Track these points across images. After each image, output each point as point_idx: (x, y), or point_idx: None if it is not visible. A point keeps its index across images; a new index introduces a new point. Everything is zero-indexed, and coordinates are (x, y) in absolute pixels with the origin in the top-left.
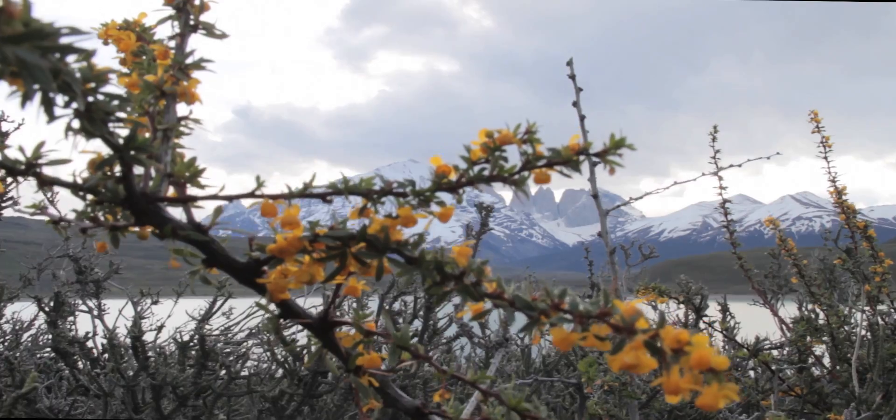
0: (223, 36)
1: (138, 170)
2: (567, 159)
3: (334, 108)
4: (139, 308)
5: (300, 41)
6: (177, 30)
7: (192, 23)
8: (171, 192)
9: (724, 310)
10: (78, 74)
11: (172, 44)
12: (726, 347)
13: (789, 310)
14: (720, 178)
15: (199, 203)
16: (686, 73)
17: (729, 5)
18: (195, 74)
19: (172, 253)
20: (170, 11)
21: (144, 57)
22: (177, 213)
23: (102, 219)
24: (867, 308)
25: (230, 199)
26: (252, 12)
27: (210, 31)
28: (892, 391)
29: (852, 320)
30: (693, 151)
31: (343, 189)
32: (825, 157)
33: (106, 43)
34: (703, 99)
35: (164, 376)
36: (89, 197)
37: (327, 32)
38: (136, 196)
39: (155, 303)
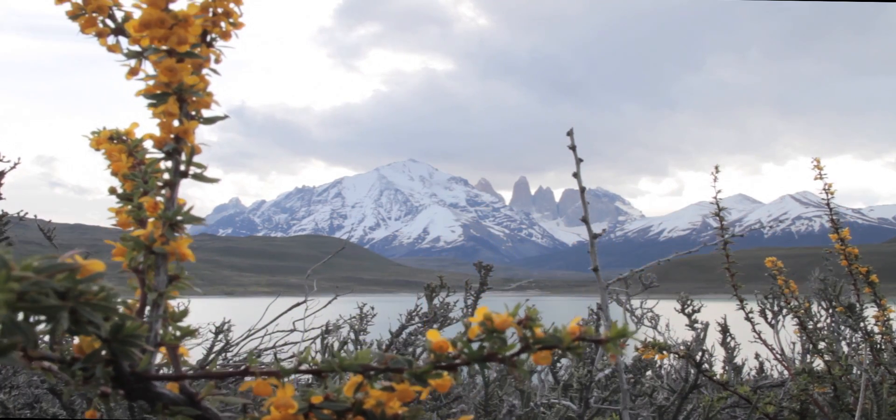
0: (214, 181)
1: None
2: (568, 346)
3: (329, 107)
4: None
5: (293, 41)
6: (167, 177)
7: (182, 169)
8: (162, 357)
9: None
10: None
11: (163, 194)
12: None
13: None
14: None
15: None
16: (682, 71)
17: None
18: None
19: None
20: (160, 154)
21: (137, 177)
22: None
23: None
24: (870, 357)
25: (221, 376)
26: (244, 11)
27: (201, 177)
28: None
29: (855, 369)
30: (691, 150)
31: (338, 366)
32: (828, 204)
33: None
34: (700, 97)
35: None
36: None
37: (320, 32)
38: (125, 377)
39: None
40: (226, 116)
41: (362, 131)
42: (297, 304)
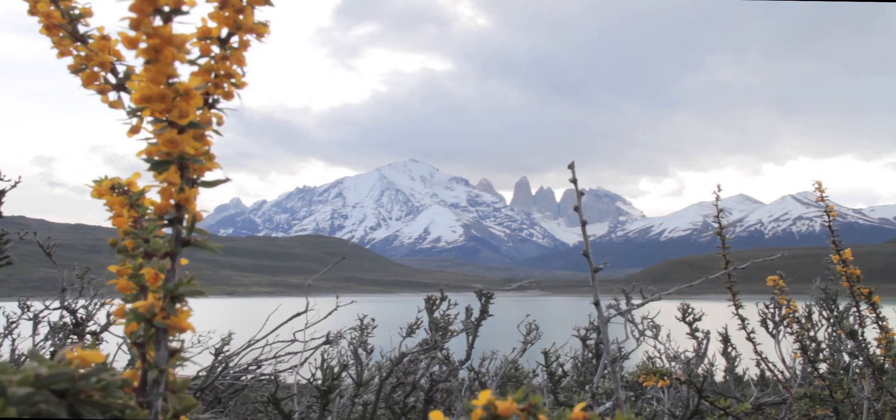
0: (218, 249)
1: None
2: None
3: (328, 107)
4: None
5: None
6: (167, 245)
7: (183, 237)
8: None
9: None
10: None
11: (164, 262)
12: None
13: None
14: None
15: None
16: (682, 71)
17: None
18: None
19: None
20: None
21: (138, 236)
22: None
23: None
24: (872, 383)
25: None
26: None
27: (204, 245)
28: None
29: (856, 392)
30: (691, 150)
31: None
32: (830, 226)
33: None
34: (699, 97)
35: None
36: None
37: (318, 32)
38: None
39: None
40: (227, 180)
41: (362, 131)
42: (298, 314)
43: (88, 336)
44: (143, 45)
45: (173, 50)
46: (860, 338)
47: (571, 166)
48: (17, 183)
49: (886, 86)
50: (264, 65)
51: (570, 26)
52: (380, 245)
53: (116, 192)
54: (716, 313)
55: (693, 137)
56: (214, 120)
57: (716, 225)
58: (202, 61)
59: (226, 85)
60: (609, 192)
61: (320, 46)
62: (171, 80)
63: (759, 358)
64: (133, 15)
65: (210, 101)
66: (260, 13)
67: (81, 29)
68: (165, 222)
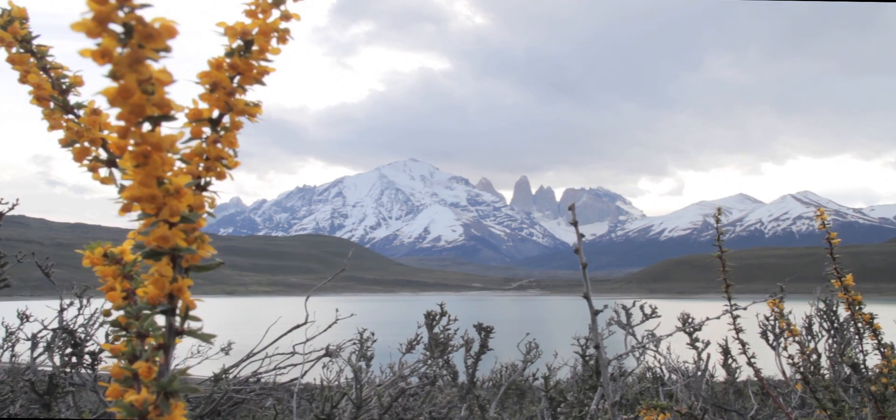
0: (211, 337)
1: None
2: None
3: (325, 106)
4: None
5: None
6: (161, 333)
7: (177, 326)
8: None
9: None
10: None
11: (157, 358)
12: None
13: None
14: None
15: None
16: (680, 70)
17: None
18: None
19: None
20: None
21: (131, 315)
22: None
23: None
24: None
25: None
26: (233, 10)
27: (200, 335)
28: None
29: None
30: (690, 149)
31: None
32: (832, 253)
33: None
34: (698, 97)
35: None
36: None
37: (314, 31)
38: None
39: None
40: (221, 263)
41: (360, 130)
42: (297, 327)
43: (86, 356)
44: (131, 149)
45: (162, 155)
46: (862, 368)
47: (572, 208)
48: (14, 205)
49: (886, 85)
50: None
51: (567, 25)
52: (380, 244)
53: (109, 260)
54: (716, 313)
55: (692, 137)
56: (207, 203)
57: (716, 224)
58: (193, 144)
59: (218, 168)
60: (609, 191)
61: (316, 45)
62: (161, 181)
63: (757, 376)
64: (121, 123)
65: (202, 183)
66: (252, 93)
67: (72, 99)
68: (158, 312)
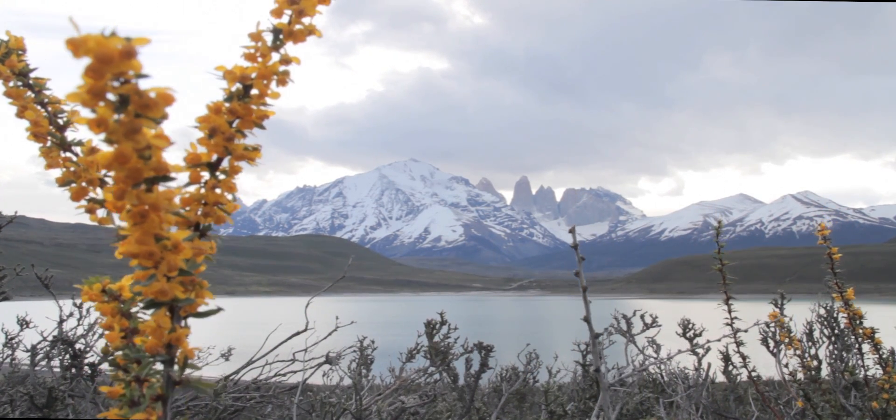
0: (209, 387)
1: None
2: None
3: (323, 106)
4: None
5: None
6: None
7: (176, 377)
8: None
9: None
10: None
11: (156, 410)
12: None
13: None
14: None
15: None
16: (678, 69)
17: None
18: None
19: None
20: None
21: (129, 357)
22: None
23: None
24: None
25: None
26: (228, 10)
27: (198, 386)
28: None
29: None
30: (690, 149)
31: None
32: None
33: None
34: (697, 96)
35: None
36: None
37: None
38: None
39: None
40: (219, 309)
41: (359, 130)
42: (298, 334)
43: (86, 368)
44: (128, 210)
45: (160, 214)
46: (864, 386)
47: (572, 231)
48: (12, 219)
49: (885, 85)
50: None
51: (566, 25)
52: (380, 244)
53: (107, 297)
54: (716, 314)
55: (691, 136)
56: (207, 249)
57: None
58: (192, 189)
59: (217, 211)
60: (609, 191)
61: (314, 45)
62: (159, 237)
63: (756, 389)
64: (117, 186)
65: (201, 228)
66: (251, 137)
67: (70, 135)
68: (157, 362)
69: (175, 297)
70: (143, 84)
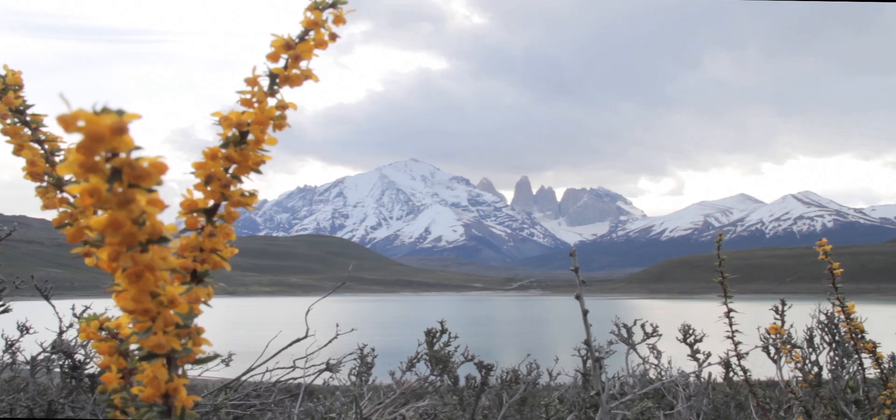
0: (218, 408)
1: None
2: None
3: (322, 106)
4: None
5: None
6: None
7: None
8: None
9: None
10: None
11: None
12: None
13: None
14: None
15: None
16: (678, 69)
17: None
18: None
19: None
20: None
21: (126, 399)
22: None
23: None
24: None
25: None
26: (227, 11)
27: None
28: None
29: None
30: (690, 149)
31: None
32: (834, 285)
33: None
34: (697, 96)
35: None
36: None
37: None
38: None
39: None
40: (216, 356)
41: (359, 130)
42: (298, 340)
43: (86, 379)
44: (123, 270)
45: (155, 274)
46: (865, 402)
47: (573, 254)
48: (11, 232)
49: (885, 85)
50: (252, 65)
51: (565, 25)
52: (381, 244)
53: (105, 335)
54: (717, 314)
55: (691, 136)
56: (203, 298)
57: (717, 223)
58: (188, 235)
59: (214, 258)
60: (609, 191)
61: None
62: (154, 294)
63: (756, 401)
64: (111, 249)
65: (198, 275)
66: (248, 183)
67: (66, 176)
68: (155, 413)
69: (172, 350)
70: (135, 154)
